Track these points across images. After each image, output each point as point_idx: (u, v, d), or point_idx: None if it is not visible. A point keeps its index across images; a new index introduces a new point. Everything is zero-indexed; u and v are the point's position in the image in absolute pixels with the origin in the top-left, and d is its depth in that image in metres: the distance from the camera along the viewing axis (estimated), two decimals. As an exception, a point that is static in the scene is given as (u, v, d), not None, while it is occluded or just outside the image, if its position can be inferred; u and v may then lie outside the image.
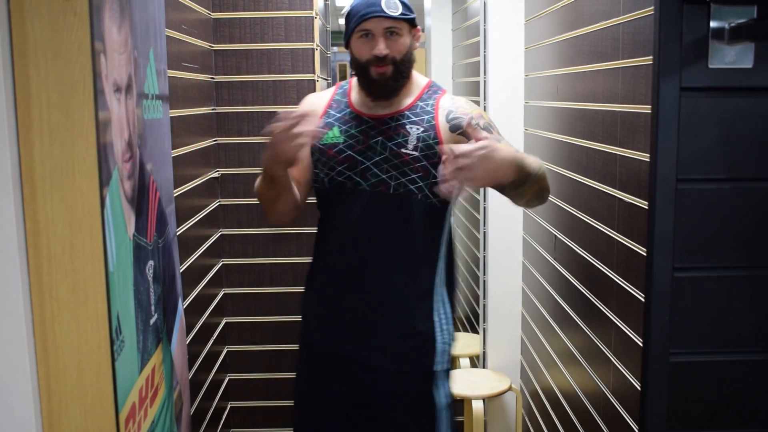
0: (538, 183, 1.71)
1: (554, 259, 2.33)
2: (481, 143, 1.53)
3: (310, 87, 2.63)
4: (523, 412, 2.86)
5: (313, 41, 2.63)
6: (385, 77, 1.80)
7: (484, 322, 2.94)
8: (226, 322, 2.75)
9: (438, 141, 1.82)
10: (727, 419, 1.50)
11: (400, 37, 1.80)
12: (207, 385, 2.43)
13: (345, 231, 1.88)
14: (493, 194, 2.66)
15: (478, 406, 2.69)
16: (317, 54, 2.66)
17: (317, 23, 2.67)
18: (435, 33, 4.38)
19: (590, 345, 1.95)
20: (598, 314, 1.87)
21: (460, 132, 1.82)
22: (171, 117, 1.89)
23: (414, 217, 1.84)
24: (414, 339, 1.87)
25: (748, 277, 1.46)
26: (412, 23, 1.83)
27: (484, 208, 2.90)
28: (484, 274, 2.92)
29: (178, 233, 1.96)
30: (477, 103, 2.92)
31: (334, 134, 1.87)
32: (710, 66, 1.40)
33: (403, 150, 1.81)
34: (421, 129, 1.84)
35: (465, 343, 3.20)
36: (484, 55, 2.82)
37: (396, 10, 1.78)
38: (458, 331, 3.75)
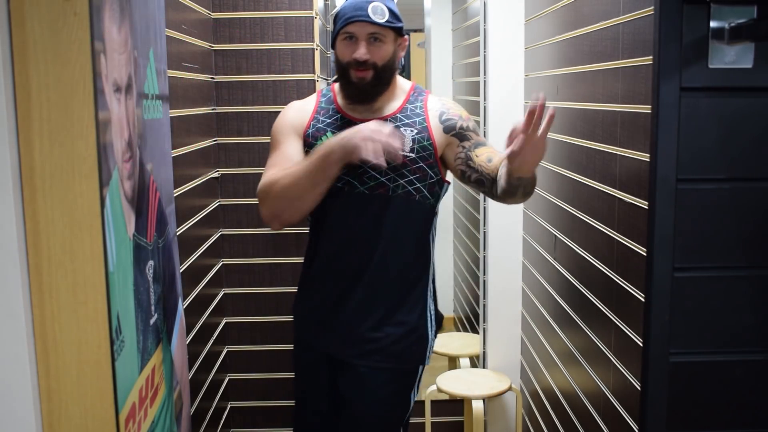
0: (534, 179, 1.75)
1: (554, 259, 2.33)
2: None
3: (310, 87, 2.63)
4: (523, 412, 2.86)
5: (313, 41, 2.63)
6: (364, 82, 1.82)
7: (484, 322, 2.94)
8: (226, 322, 2.75)
9: (431, 142, 1.86)
10: (727, 419, 1.50)
11: (384, 44, 1.81)
12: (207, 385, 2.43)
13: (343, 234, 1.89)
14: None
15: (478, 406, 2.69)
16: (317, 54, 2.66)
17: (317, 23, 2.66)
18: (435, 33, 4.37)
19: (590, 345, 1.95)
20: (598, 314, 1.87)
21: (454, 133, 1.87)
22: (171, 117, 1.89)
23: (413, 217, 1.87)
24: (409, 338, 1.92)
25: (748, 277, 1.46)
26: (398, 32, 1.84)
27: (484, 208, 2.90)
28: (484, 274, 2.92)
29: (178, 233, 1.96)
30: (477, 103, 2.92)
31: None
32: (710, 66, 1.40)
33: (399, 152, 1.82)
34: (415, 131, 1.86)
35: (465, 343, 3.20)
36: (484, 55, 2.82)
37: (382, 16, 1.79)
38: (458, 331, 3.77)
